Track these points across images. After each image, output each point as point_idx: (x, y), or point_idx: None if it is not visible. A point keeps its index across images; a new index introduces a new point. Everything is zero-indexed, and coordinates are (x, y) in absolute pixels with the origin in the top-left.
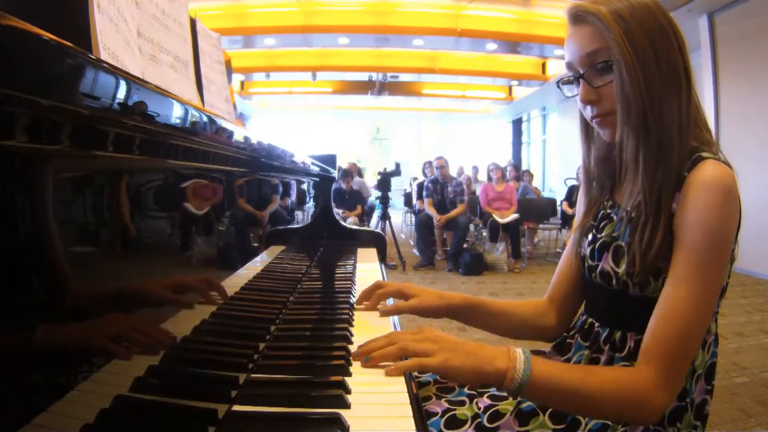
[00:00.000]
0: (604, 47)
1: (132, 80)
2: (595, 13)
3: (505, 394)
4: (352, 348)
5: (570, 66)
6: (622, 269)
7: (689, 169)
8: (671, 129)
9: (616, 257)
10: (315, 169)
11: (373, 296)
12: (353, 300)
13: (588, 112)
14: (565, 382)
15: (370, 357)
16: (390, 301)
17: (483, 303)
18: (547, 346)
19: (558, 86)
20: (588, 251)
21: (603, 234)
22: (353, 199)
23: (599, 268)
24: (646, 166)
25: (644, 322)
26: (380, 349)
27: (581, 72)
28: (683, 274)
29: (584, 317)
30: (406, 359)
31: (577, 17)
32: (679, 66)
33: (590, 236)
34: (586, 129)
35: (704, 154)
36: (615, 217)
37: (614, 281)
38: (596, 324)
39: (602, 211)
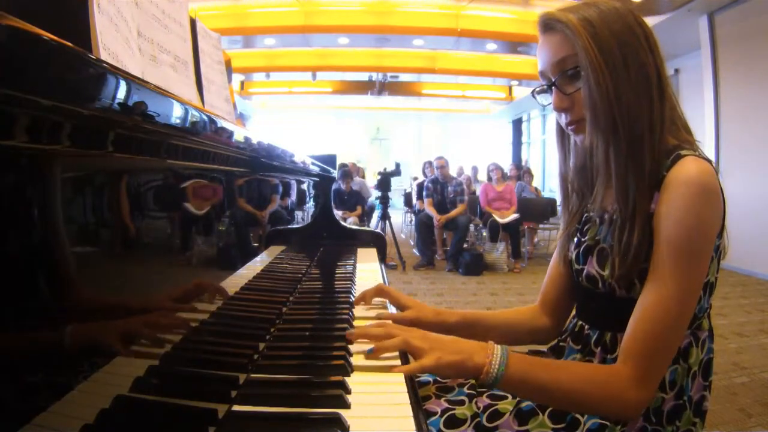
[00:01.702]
0: (573, 54)
1: (132, 80)
2: (563, 21)
3: (502, 394)
4: (352, 348)
5: (543, 74)
6: (607, 272)
7: (668, 168)
8: (642, 130)
9: (600, 260)
10: (315, 169)
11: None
12: (353, 300)
13: (563, 119)
14: (539, 378)
15: (374, 349)
16: (391, 308)
17: (478, 318)
18: (545, 348)
19: (533, 96)
20: (574, 255)
21: (587, 237)
22: (353, 200)
23: (585, 271)
24: (617, 168)
25: None
26: (379, 340)
27: (553, 80)
28: (661, 271)
29: (575, 320)
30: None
31: (547, 26)
32: (649, 68)
33: (575, 240)
34: (562, 137)
35: (683, 152)
36: (597, 220)
37: (600, 284)
38: (586, 327)
39: (586, 215)
